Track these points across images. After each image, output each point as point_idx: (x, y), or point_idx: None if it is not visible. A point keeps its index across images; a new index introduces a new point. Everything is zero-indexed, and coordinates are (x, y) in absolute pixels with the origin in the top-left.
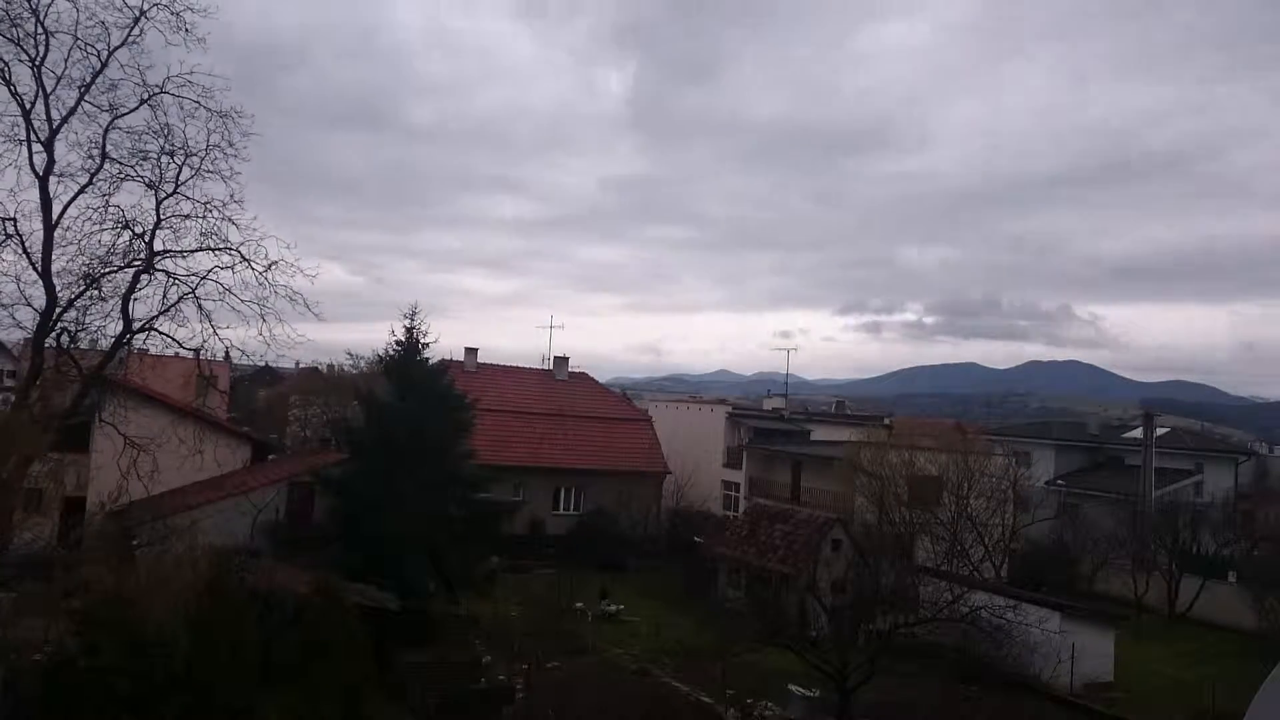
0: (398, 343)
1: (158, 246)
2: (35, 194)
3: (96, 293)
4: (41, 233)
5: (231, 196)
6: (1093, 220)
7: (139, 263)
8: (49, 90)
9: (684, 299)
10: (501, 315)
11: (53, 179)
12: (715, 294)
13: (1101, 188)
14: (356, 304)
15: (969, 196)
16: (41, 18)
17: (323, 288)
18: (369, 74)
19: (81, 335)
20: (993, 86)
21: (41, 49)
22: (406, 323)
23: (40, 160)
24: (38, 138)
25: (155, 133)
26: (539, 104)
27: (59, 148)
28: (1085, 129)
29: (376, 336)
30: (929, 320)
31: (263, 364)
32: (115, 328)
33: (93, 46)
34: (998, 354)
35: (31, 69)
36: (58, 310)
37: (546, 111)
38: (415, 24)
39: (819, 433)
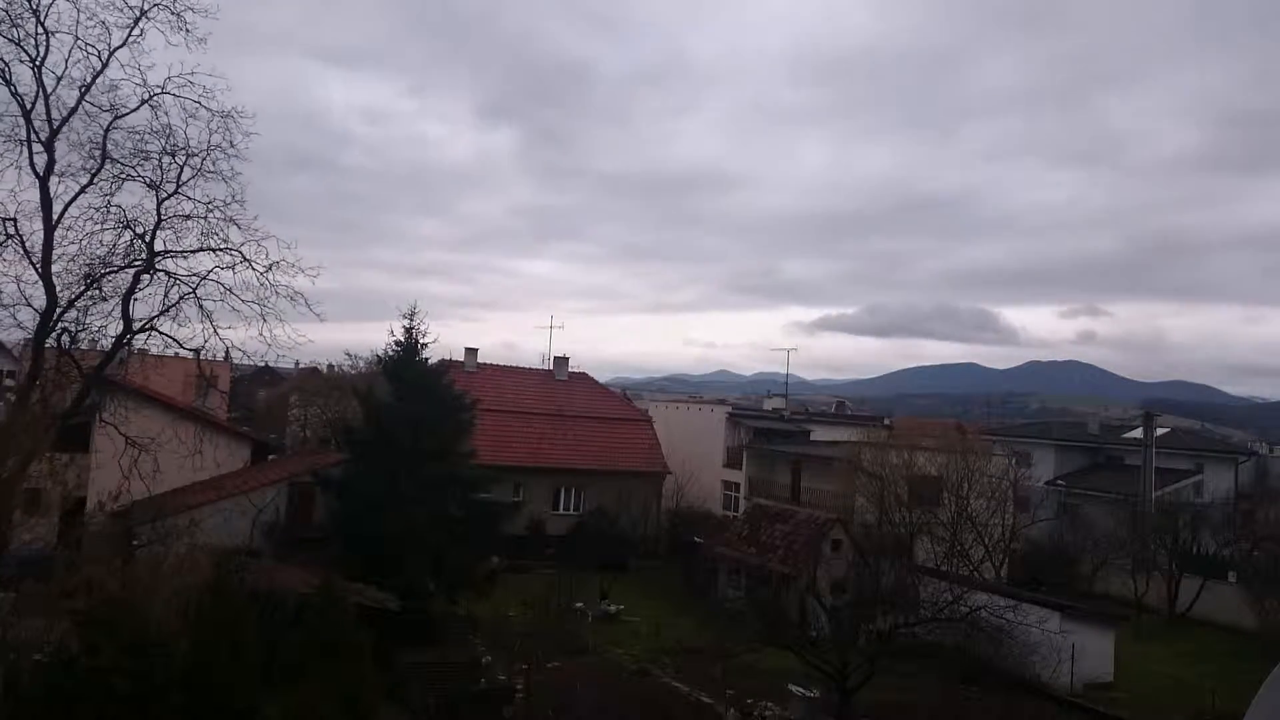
0: (397, 343)
1: (158, 247)
2: (36, 194)
3: (97, 293)
4: (42, 233)
5: (233, 196)
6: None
7: (139, 263)
8: (49, 90)
9: (616, 302)
10: (460, 315)
11: (53, 179)
12: (644, 298)
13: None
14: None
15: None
16: (42, 18)
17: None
18: (312, 135)
19: (82, 335)
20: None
21: (42, 49)
22: (405, 323)
23: (41, 160)
24: (38, 138)
25: (156, 133)
26: (450, 156)
27: (59, 148)
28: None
29: (348, 335)
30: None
31: (263, 364)
32: (115, 328)
33: (93, 47)
34: (997, 354)
35: (32, 69)
36: (58, 310)
37: (457, 160)
38: (343, 100)
39: (819, 433)
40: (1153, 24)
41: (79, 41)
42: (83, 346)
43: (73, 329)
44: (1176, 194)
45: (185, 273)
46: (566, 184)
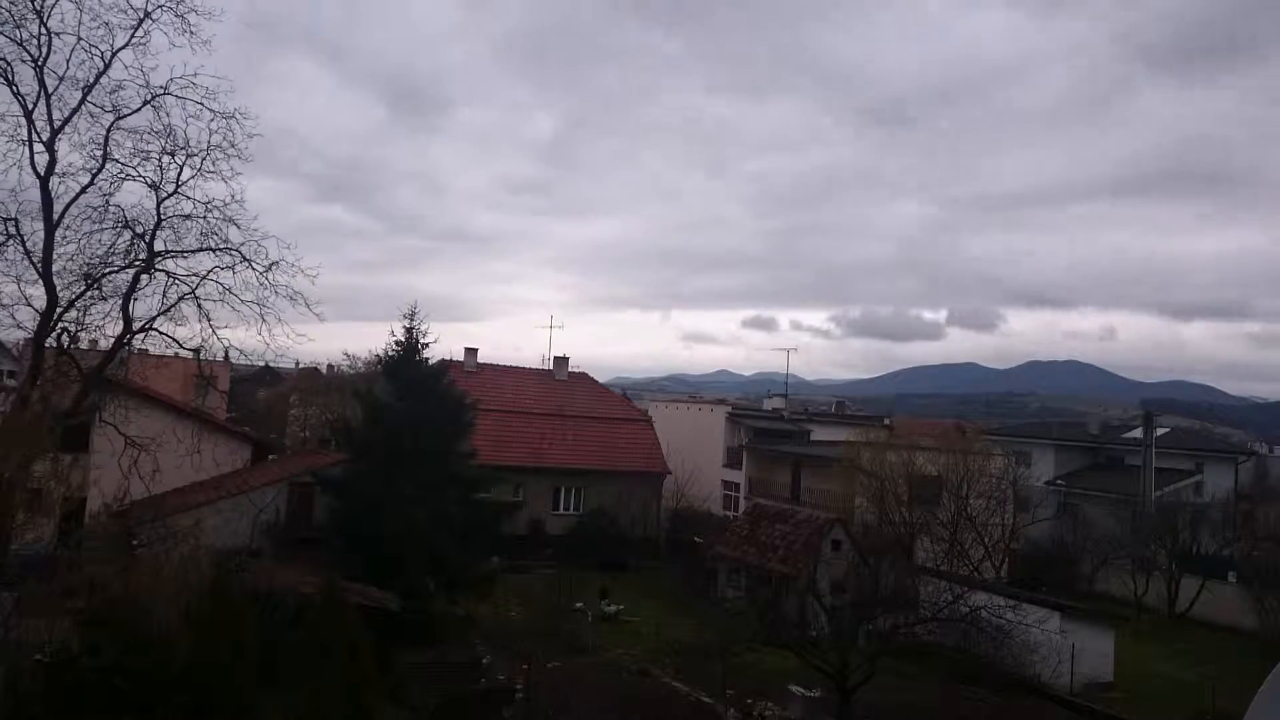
0: (397, 343)
1: (158, 247)
2: (37, 194)
3: (97, 293)
4: (43, 233)
5: (233, 197)
6: None
7: (139, 263)
8: (51, 90)
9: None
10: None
11: (54, 179)
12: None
13: None
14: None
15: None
16: (45, 18)
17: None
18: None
19: (82, 335)
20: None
21: (45, 49)
22: (406, 323)
23: (42, 160)
24: (39, 138)
25: (157, 133)
26: None
27: (61, 148)
28: None
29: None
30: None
31: (263, 364)
32: (115, 328)
33: (96, 47)
34: (997, 354)
35: (34, 69)
36: (58, 310)
37: None
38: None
39: (819, 433)
40: None
41: (82, 42)
42: (83, 346)
43: (73, 329)
44: None
45: (185, 273)
46: None
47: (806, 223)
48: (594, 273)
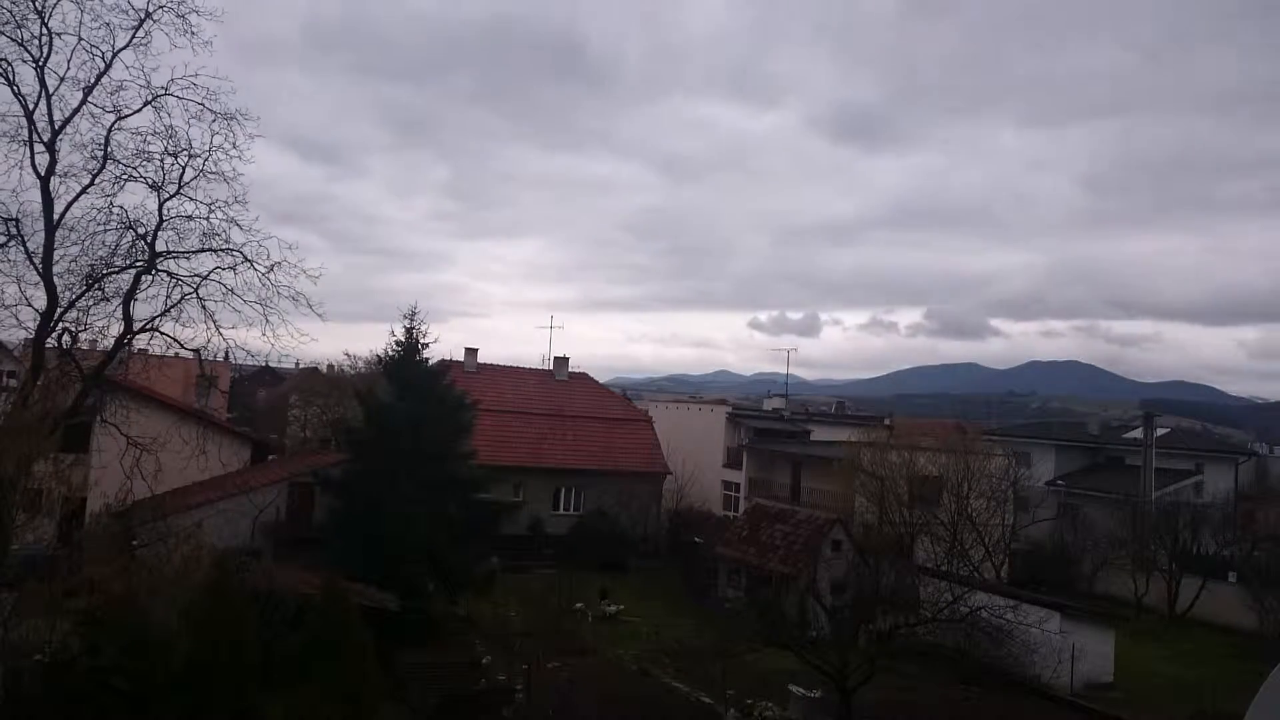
0: (397, 343)
1: (160, 247)
2: (37, 194)
3: (98, 293)
4: (43, 233)
5: (235, 197)
6: None
7: (141, 263)
8: (52, 91)
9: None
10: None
11: (55, 179)
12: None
13: None
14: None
15: None
16: (46, 19)
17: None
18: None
19: (83, 336)
20: None
21: (45, 50)
22: (406, 323)
23: (43, 160)
24: (40, 138)
25: (159, 134)
26: None
27: (62, 148)
28: None
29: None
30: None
31: (264, 364)
32: (117, 328)
33: (97, 48)
34: (997, 354)
35: (35, 69)
36: (59, 311)
37: None
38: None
39: (819, 433)
40: None
41: (83, 42)
42: (83, 347)
43: (74, 329)
44: None
45: (187, 273)
46: None
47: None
48: (519, 281)
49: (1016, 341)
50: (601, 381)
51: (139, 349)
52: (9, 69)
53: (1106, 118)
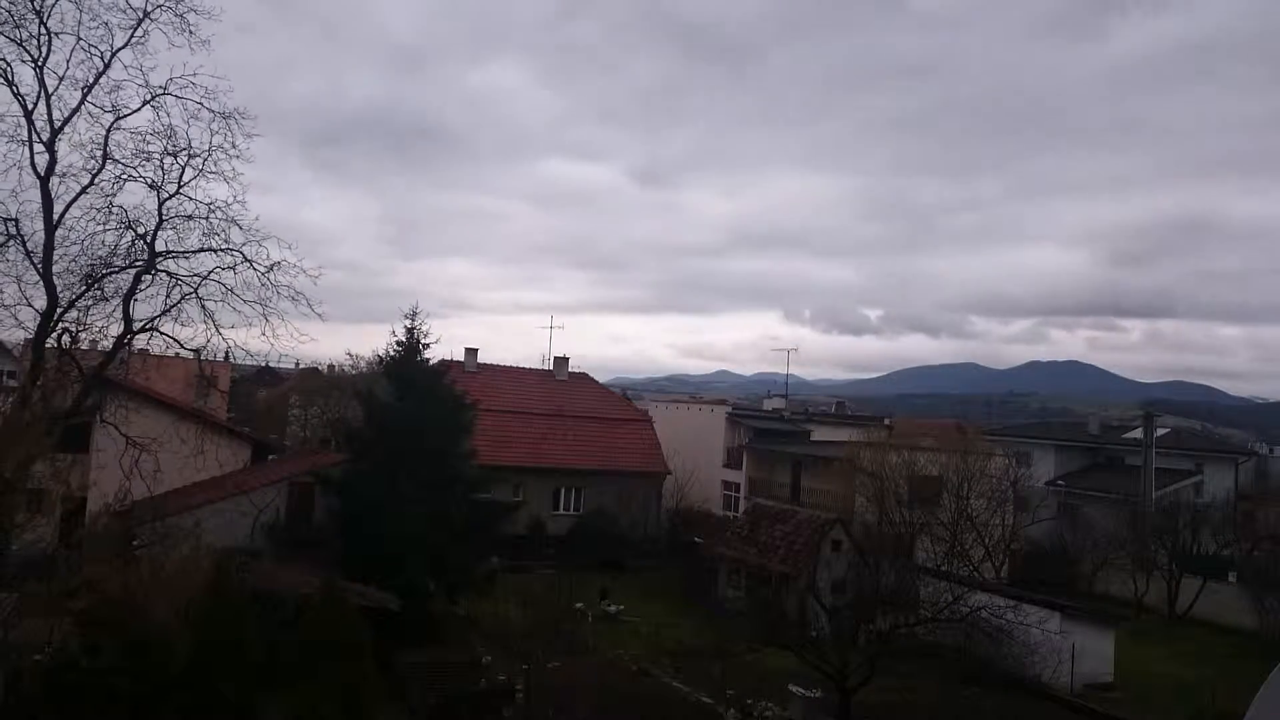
0: (398, 343)
1: (160, 247)
2: (37, 194)
3: (98, 293)
4: (43, 233)
5: (234, 197)
6: None
7: (141, 263)
8: (51, 90)
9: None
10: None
11: (54, 179)
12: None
13: None
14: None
15: None
16: (45, 18)
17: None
18: None
19: (82, 336)
20: None
21: (44, 49)
22: (407, 323)
23: (42, 160)
24: (39, 138)
25: (158, 133)
26: None
27: (61, 148)
28: None
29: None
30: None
31: (264, 364)
32: (116, 328)
33: (96, 48)
34: (998, 354)
35: (34, 69)
36: (59, 310)
37: None
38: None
39: (819, 433)
40: None
41: (81, 42)
42: (83, 347)
43: (73, 329)
44: None
45: (186, 273)
46: None
47: None
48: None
49: (1014, 342)
50: (602, 381)
51: (139, 349)
52: (8, 69)
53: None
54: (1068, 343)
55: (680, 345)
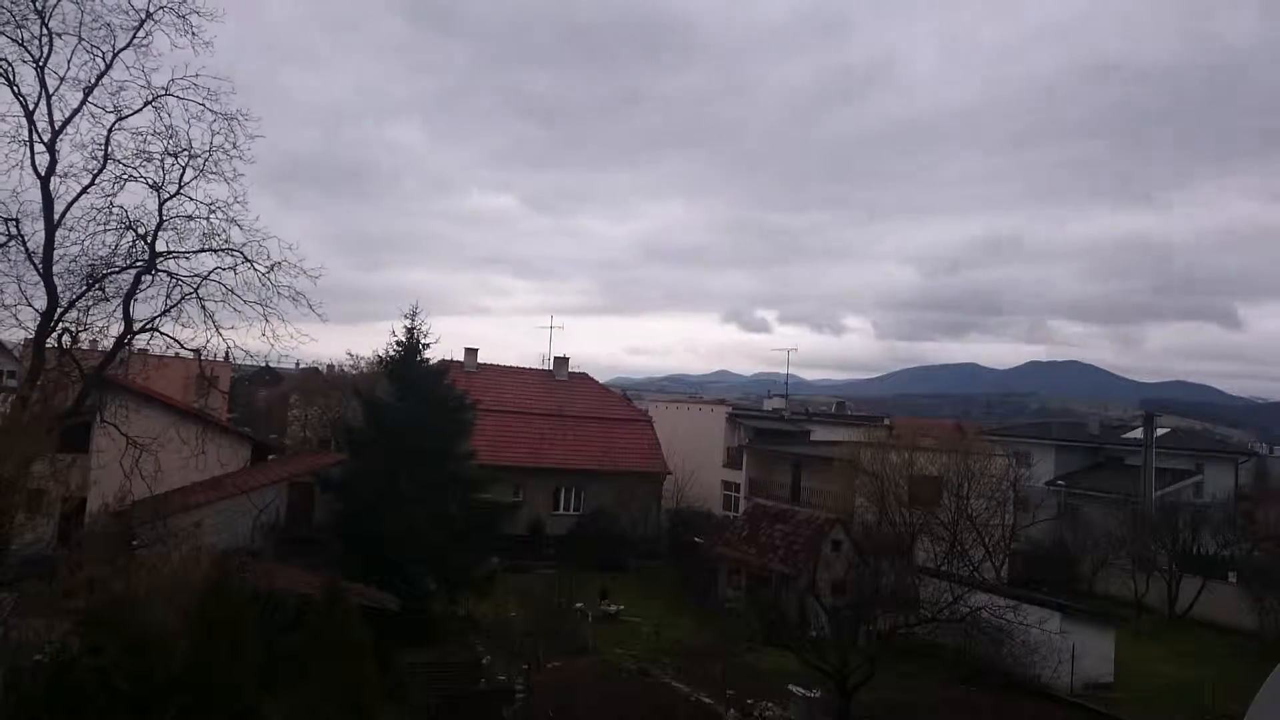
0: (398, 343)
1: (160, 247)
2: (38, 194)
3: (99, 293)
4: (44, 233)
5: (235, 198)
6: None
7: (141, 263)
8: (52, 91)
9: None
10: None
11: (55, 179)
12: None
13: None
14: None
15: None
16: (46, 19)
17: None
18: None
19: (83, 336)
20: None
21: (46, 50)
22: (407, 323)
23: (43, 161)
24: (40, 138)
25: (159, 134)
26: None
27: (62, 148)
28: None
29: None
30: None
31: (264, 364)
32: (117, 328)
33: (97, 48)
34: (998, 354)
35: (35, 70)
36: (59, 310)
37: None
38: None
39: (819, 433)
40: None
41: (83, 43)
42: (83, 347)
43: (74, 329)
44: None
45: (187, 273)
46: None
47: None
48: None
49: (1013, 341)
50: (602, 381)
51: (139, 349)
52: (9, 69)
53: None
54: (1066, 343)
55: (626, 345)
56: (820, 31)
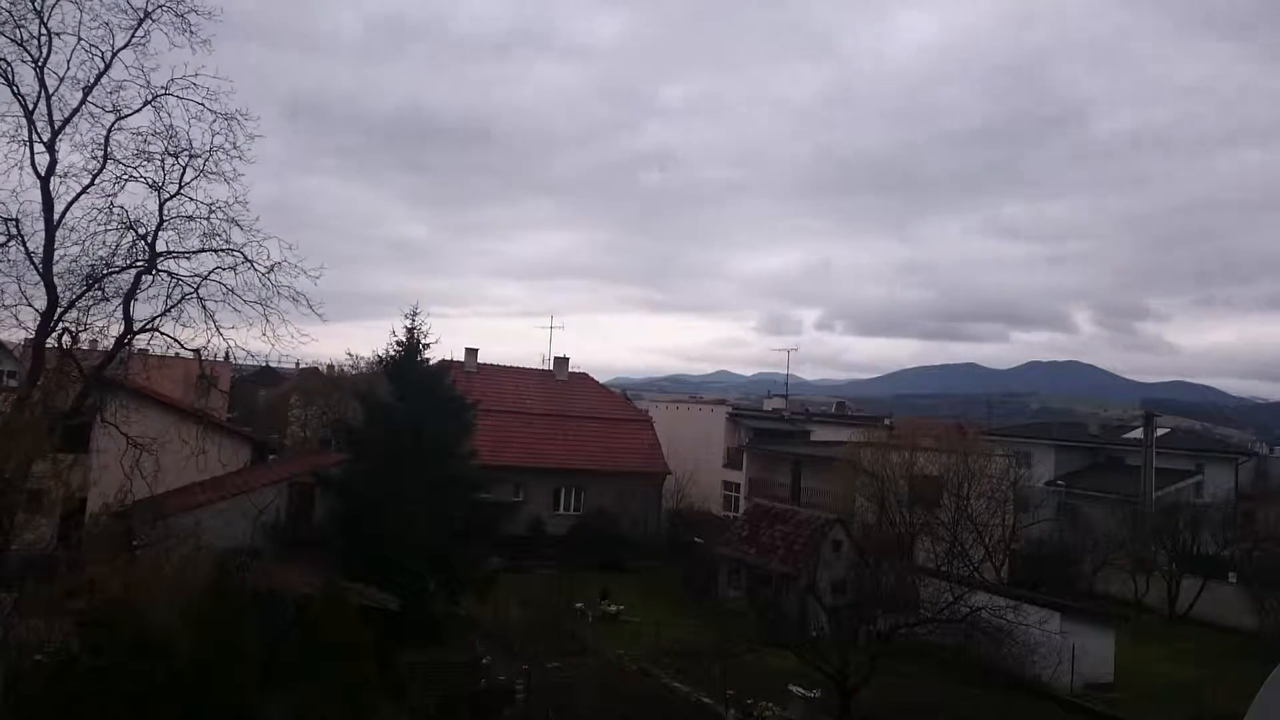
0: (398, 343)
1: (160, 247)
2: (38, 194)
3: (99, 293)
4: (44, 233)
5: (235, 198)
6: None
7: (141, 263)
8: (52, 91)
9: None
10: None
11: (55, 179)
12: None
13: None
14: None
15: None
16: (45, 19)
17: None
18: None
19: (83, 336)
20: None
21: (45, 50)
22: (407, 323)
23: (43, 161)
24: (40, 138)
25: (159, 134)
26: None
27: (62, 148)
28: None
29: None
30: None
31: (264, 364)
32: (117, 328)
33: (97, 48)
34: (998, 354)
35: (34, 69)
36: (59, 310)
37: None
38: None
39: (819, 433)
40: None
41: (82, 42)
42: (83, 347)
43: (74, 329)
44: None
45: (187, 273)
46: None
47: None
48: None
49: (1013, 341)
50: (602, 381)
51: (139, 349)
52: (9, 69)
53: None
54: (1067, 343)
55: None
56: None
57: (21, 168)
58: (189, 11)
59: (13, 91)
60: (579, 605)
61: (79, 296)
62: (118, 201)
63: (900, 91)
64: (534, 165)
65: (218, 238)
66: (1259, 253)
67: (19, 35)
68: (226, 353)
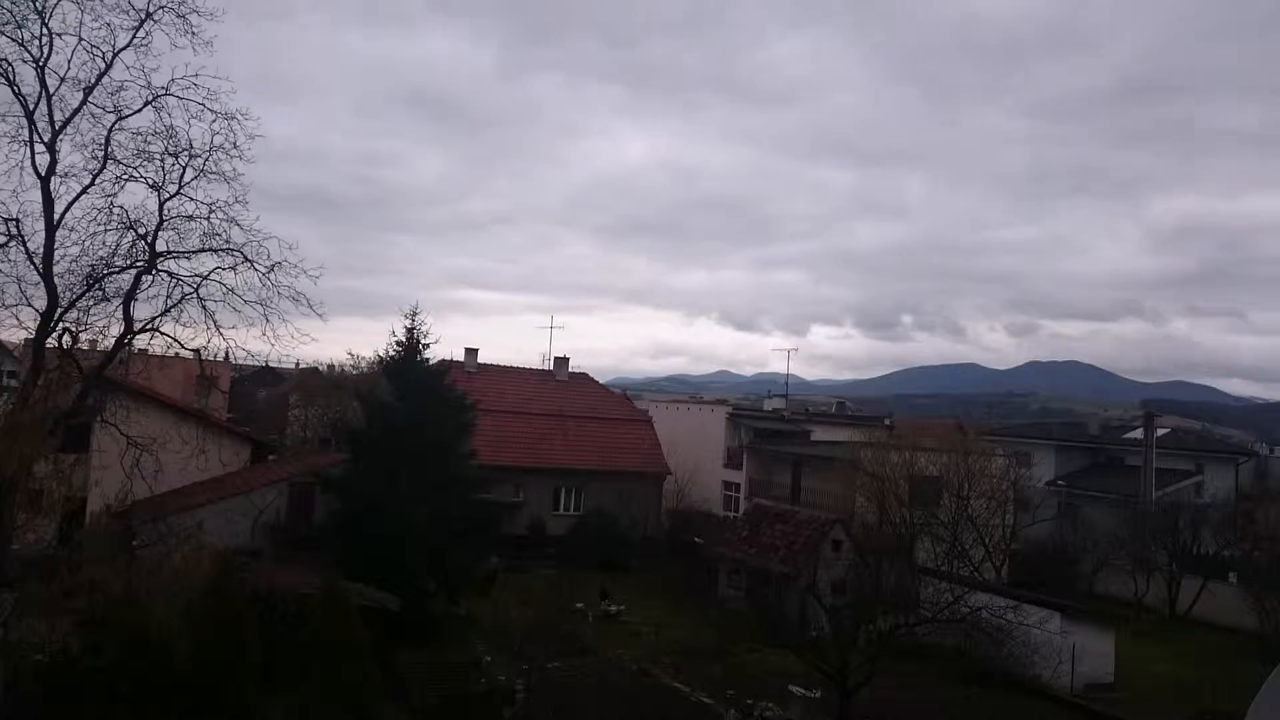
0: (398, 343)
1: (160, 247)
2: (38, 194)
3: (99, 293)
4: (44, 233)
5: (235, 198)
6: None
7: (141, 263)
8: (52, 91)
9: None
10: None
11: (55, 179)
12: None
13: None
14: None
15: None
16: (46, 19)
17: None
18: None
19: (83, 336)
20: None
21: (46, 50)
22: (407, 323)
23: (43, 161)
24: (40, 138)
25: (159, 134)
26: None
27: (63, 148)
28: None
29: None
30: None
31: (264, 364)
32: (117, 328)
33: (97, 48)
34: (998, 354)
35: (35, 69)
36: (59, 310)
37: None
38: None
39: (819, 433)
40: None
41: (83, 43)
42: (84, 347)
43: (74, 329)
44: None
45: (187, 273)
46: None
47: None
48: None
49: (1013, 342)
50: (602, 381)
51: (139, 349)
52: (9, 69)
53: None
54: (1067, 343)
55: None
56: None
57: (22, 168)
58: (190, 12)
59: (13, 91)
60: (579, 605)
61: (79, 296)
62: (118, 201)
63: None
64: None
65: (218, 238)
66: None
67: (20, 35)
68: (226, 353)
